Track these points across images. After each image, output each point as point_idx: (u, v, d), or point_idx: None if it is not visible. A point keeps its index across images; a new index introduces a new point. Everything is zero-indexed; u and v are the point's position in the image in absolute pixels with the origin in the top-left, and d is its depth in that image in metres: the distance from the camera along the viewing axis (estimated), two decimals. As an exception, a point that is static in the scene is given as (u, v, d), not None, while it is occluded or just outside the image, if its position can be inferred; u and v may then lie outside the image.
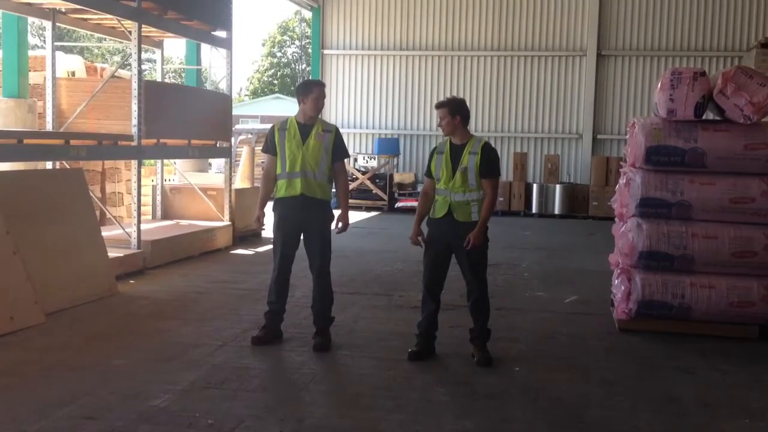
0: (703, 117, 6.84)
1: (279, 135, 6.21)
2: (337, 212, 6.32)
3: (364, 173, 18.72)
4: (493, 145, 6.03)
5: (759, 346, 6.61)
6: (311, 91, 6.20)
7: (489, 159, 5.84)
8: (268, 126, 6.51)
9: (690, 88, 6.67)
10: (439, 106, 5.95)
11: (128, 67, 10.10)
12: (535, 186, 18.13)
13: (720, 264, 6.71)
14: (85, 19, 10.13)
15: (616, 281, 7.15)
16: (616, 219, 7.54)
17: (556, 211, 17.83)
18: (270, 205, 6.38)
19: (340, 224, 6.35)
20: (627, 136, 7.38)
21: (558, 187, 17.92)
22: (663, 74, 6.96)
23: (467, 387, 5.36)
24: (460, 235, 5.80)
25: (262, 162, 6.64)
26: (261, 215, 6.43)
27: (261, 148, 6.81)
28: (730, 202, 6.72)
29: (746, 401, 5.22)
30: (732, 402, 5.20)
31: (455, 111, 5.86)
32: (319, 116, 6.39)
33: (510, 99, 19.44)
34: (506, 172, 18.12)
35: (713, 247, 6.68)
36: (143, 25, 9.43)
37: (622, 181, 7.36)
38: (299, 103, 6.25)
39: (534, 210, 17.99)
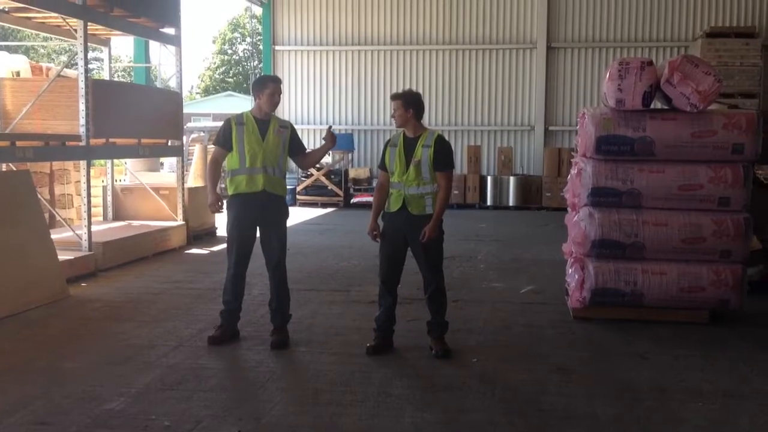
0: (651, 106, 6.94)
1: (237, 130, 6.12)
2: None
3: (319, 169, 18.63)
4: (446, 138, 6.04)
5: (710, 330, 6.74)
6: (266, 87, 6.16)
7: (442, 152, 5.85)
8: (221, 123, 6.42)
9: (637, 77, 6.76)
10: (393, 97, 5.94)
11: (75, 66, 9.91)
12: (489, 178, 18.25)
13: (670, 250, 6.82)
14: (29, 18, 9.91)
15: (570, 270, 7.23)
16: (569, 209, 7.62)
17: (511, 203, 17.99)
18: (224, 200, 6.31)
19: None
20: (578, 127, 7.46)
21: (512, 178, 18.08)
22: (611, 65, 7.05)
23: (426, 379, 5.38)
24: (415, 229, 5.81)
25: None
26: (217, 197, 6.21)
27: (213, 141, 6.72)
28: (679, 190, 6.82)
29: (698, 384, 5.32)
30: (685, 385, 5.29)
31: (408, 104, 5.86)
32: (273, 113, 6.35)
33: (462, 92, 19.53)
34: (460, 165, 18.21)
35: (663, 234, 6.79)
36: (89, 23, 9.26)
37: (573, 171, 7.44)
38: (255, 99, 6.21)
39: (489, 202, 18.12)
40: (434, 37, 19.54)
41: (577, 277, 6.98)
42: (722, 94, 8.83)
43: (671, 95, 6.78)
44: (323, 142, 6.31)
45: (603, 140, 6.84)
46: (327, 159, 19.22)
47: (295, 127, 6.51)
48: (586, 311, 7.00)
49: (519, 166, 19.14)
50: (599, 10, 18.91)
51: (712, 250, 6.80)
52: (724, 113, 7.05)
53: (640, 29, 18.83)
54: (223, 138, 6.19)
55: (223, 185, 6.50)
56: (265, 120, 6.18)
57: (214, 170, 6.33)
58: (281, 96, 6.32)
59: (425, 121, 6.11)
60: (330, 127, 6.47)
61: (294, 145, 6.30)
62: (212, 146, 6.59)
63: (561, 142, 19.02)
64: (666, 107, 7.18)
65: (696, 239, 6.78)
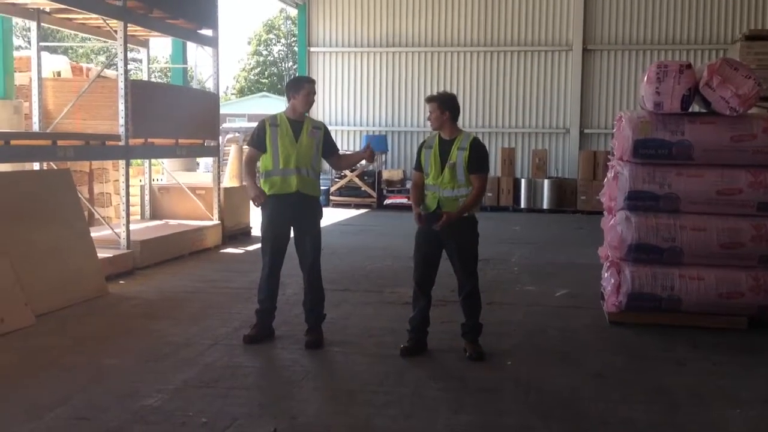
0: (690, 110, 6.88)
1: (271, 131, 6.16)
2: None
3: (352, 171, 18.69)
4: (481, 141, 6.04)
5: (748, 336, 6.66)
6: (302, 87, 6.19)
7: (478, 155, 5.84)
8: (255, 124, 6.47)
9: (676, 81, 6.70)
10: (429, 99, 5.95)
11: (114, 67, 10.06)
12: (523, 181, 18.17)
13: (708, 255, 6.75)
14: (70, 19, 10.08)
15: (606, 274, 7.18)
16: (605, 212, 7.56)
17: (545, 206, 17.89)
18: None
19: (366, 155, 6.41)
20: (614, 130, 7.41)
21: (546, 181, 17.98)
22: (649, 68, 6.99)
23: (460, 381, 5.38)
24: (449, 231, 5.81)
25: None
26: (259, 190, 6.17)
27: (247, 141, 6.76)
28: (717, 194, 6.75)
29: (737, 391, 5.25)
30: (723, 392, 5.23)
31: (444, 106, 5.86)
32: (307, 114, 6.39)
33: (497, 94, 19.48)
34: (494, 168, 18.16)
35: (702, 238, 6.71)
36: (129, 24, 9.39)
37: (610, 174, 7.39)
38: (289, 100, 6.24)
39: (523, 205, 18.04)
40: (469, 39, 19.51)
41: (613, 281, 6.93)
42: (762, 98, 8.70)
43: (710, 99, 6.71)
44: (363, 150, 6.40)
45: (641, 144, 6.79)
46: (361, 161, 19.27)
47: (330, 128, 6.55)
48: (622, 316, 6.95)
49: (554, 169, 19.03)
50: (636, 12, 18.74)
51: (751, 255, 6.72)
52: (764, 117, 6.97)
53: (677, 32, 18.64)
54: (258, 139, 6.23)
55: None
56: (298, 121, 6.21)
57: (250, 167, 6.37)
58: (315, 96, 6.36)
59: (459, 123, 6.11)
60: (369, 144, 6.52)
61: (327, 146, 6.34)
62: (247, 147, 6.63)
63: (597, 145, 18.89)
64: (705, 111, 7.10)
65: (734, 244, 6.70)
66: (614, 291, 6.89)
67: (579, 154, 18.43)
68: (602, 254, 7.48)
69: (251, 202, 6.36)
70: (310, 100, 6.21)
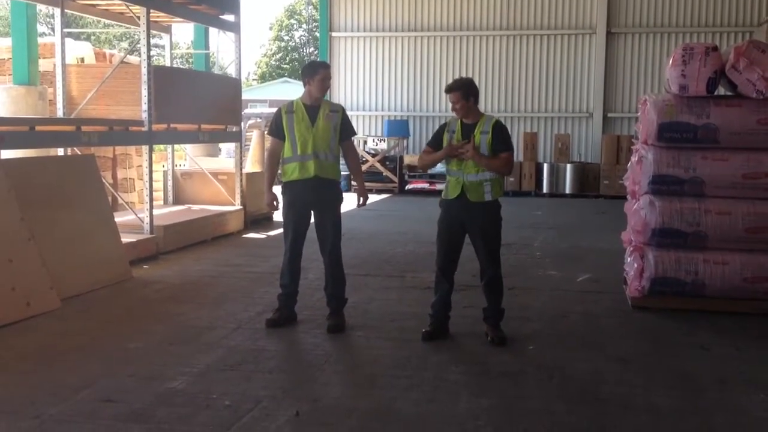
0: (716, 92, 6.80)
1: (287, 118, 6.17)
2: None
3: (374, 155, 18.68)
4: (503, 123, 6.00)
5: (773, 321, 6.60)
6: (317, 72, 6.18)
7: (501, 136, 5.81)
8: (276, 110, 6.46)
9: (702, 63, 6.63)
10: (449, 90, 5.85)
11: (137, 53, 10.10)
12: (545, 165, 18.08)
13: (733, 240, 6.69)
14: (94, 5, 10.14)
15: (629, 259, 7.14)
16: (629, 197, 7.52)
17: (567, 191, 17.79)
18: (278, 188, 6.37)
19: (360, 199, 6.41)
20: (638, 114, 7.34)
21: (569, 166, 17.87)
22: (674, 50, 6.92)
23: (482, 366, 5.38)
24: (473, 216, 5.80)
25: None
26: (273, 197, 6.37)
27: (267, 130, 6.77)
28: (743, 178, 6.69)
29: (761, 376, 5.21)
30: (747, 377, 5.19)
31: (468, 93, 5.81)
32: (325, 97, 6.38)
33: (519, 78, 19.36)
34: (517, 152, 18.02)
35: (726, 223, 6.66)
36: (151, 10, 9.42)
37: (634, 158, 7.34)
38: (305, 85, 6.22)
39: (545, 190, 17.95)
40: (491, 23, 19.37)
41: (636, 265, 6.89)
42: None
43: (737, 81, 6.63)
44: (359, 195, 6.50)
45: (665, 127, 6.73)
46: (382, 145, 19.27)
47: (352, 113, 6.58)
48: (645, 300, 6.91)
49: (576, 154, 18.91)
50: (661, -5, 18.52)
51: (777, 240, 6.65)
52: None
53: (703, 14, 18.40)
54: (276, 128, 6.24)
55: (279, 170, 6.58)
56: (315, 106, 6.19)
57: (271, 164, 6.39)
58: (335, 82, 6.34)
59: (480, 108, 6.07)
60: (359, 205, 6.58)
61: (343, 130, 6.29)
62: (268, 137, 6.63)
63: (620, 129, 18.74)
64: (731, 93, 7.02)
65: (760, 228, 6.64)
66: (637, 276, 6.86)
67: (602, 139, 18.30)
68: (625, 239, 7.43)
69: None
70: (325, 85, 6.20)
